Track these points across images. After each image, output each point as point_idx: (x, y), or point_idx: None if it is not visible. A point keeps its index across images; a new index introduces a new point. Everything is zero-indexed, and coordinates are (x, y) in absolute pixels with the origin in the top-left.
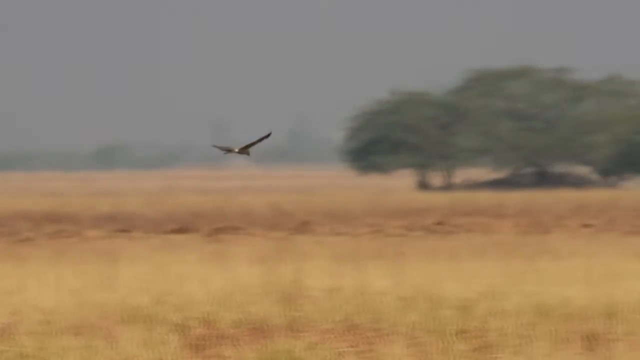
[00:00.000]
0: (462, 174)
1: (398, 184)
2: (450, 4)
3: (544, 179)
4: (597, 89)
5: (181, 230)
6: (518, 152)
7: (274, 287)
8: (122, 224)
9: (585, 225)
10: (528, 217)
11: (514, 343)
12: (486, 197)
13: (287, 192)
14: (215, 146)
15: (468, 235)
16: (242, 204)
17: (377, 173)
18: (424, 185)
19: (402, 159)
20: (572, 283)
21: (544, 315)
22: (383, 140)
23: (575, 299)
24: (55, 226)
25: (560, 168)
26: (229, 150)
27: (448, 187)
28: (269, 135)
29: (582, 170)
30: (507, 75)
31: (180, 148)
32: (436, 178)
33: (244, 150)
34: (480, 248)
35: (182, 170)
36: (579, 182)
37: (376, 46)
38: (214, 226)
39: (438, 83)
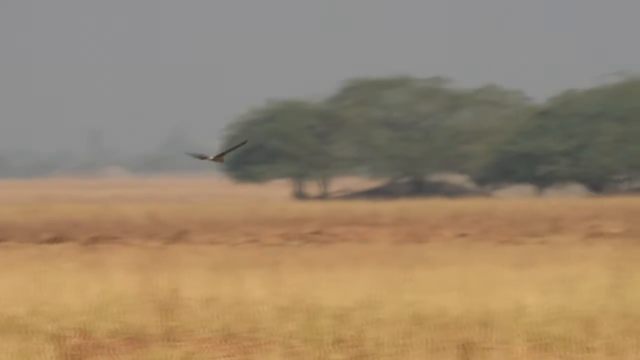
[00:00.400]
0: (338, 183)
1: (275, 193)
2: (328, 14)
3: (420, 188)
4: (473, 98)
5: (57, 240)
6: (394, 161)
7: (150, 297)
8: None
9: (461, 235)
10: (404, 226)
11: (390, 352)
12: (362, 207)
13: (163, 201)
14: (188, 154)
15: (345, 245)
16: (119, 213)
17: (254, 182)
18: (300, 195)
19: (279, 168)
20: (448, 292)
21: (420, 324)
22: (259, 149)
23: (450, 308)
24: None
25: (436, 177)
26: (202, 158)
27: (325, 196)
28: (244, 142)
29: (457, 179)
30: (384, 84)
31: (56, 157)
32: (313, 187)
33: (219, 158)
34: (357, 257)
35: (57, 179)
36: (454, 192)
37: (255, 56)
38: (90, 235)
39: (316, 92)
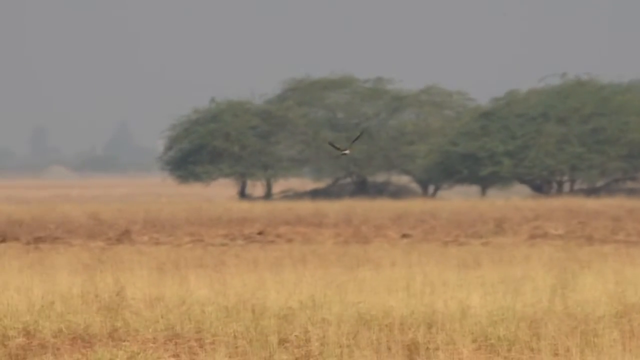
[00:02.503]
0: (282, 184)
1: (218, 194)
2: (272, 13)
3: (364, 189)
4: (416, 99)
5: (0, 239)
6: (338, 161)
7: (94, 297)
8: None
9: (405, 235)
10: (348, 226)
11: (336, 352)
12: (306, 207)
13: (107, 202)
14: (331, 144)
15: (289, 245)
16: (62, 213)
17: (198, 182)
18: (244, 195)
19: (222, 168)
20: (393, 293)
21: (365, 324)
22: (202, 149)
23: (396, 309)
24: None
25: (380, 178)
26: (341, 150)
27: (268, 196)
28: (362, 133)
29: (401, 180)
30: (327, 84)
31: None
32: (256, 188)
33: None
34: (301, 257)
35: (0, 179)
36: (398, 192)
37: (199, 56)
38: (34, 235)
39: (259, 92)
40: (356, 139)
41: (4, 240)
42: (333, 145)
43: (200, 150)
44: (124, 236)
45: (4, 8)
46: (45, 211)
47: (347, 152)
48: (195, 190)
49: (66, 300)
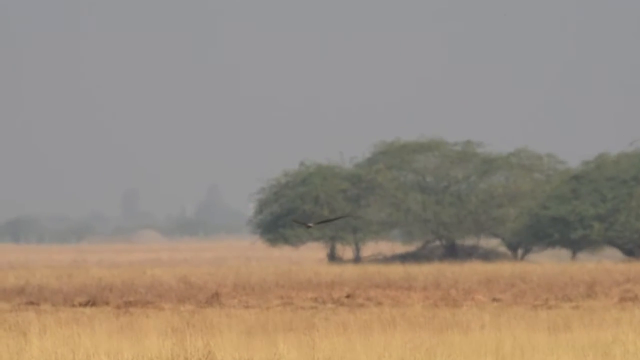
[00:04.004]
0: (371, 247)
1: (307, 257)
2: (362, 76)
3: (453, 252)
4: (506, 162)
5: (91, 303)
6: (427, 225)
7: None
8: (30, 297)
9: (495, 299)
10: (437, 290)
11: None
12: (395, 270)
13: (196, 265)
14: (295, 220)
15: (378, 308)
16: (152, 277)
17: (287, 245)
18: (333, 258)
19: (312, 231)
20: (482, 356)
21: None
22: (292, 212)
23: None
24: None
25: (469, 241)
26: (308, 226)
27: (358, 260)
28: (348, 215)
29: (490, 243)
30: (416, 148)
31: (89, 220)
32: (345, 251)
33: (316, 224)
34: (390, 321)
35: (91, 243)
36: (487, 255)
37: (287, 120)
38: (124, 299)
39: (348, 156)
40: (327, 220)
41: (94, 304)
42: (297, 221)
43: (290, 213)
44: (214, 299)
45: (93, 70)
46: (136, 275)
47: (311, 225)
48: (284, 253)
49: None
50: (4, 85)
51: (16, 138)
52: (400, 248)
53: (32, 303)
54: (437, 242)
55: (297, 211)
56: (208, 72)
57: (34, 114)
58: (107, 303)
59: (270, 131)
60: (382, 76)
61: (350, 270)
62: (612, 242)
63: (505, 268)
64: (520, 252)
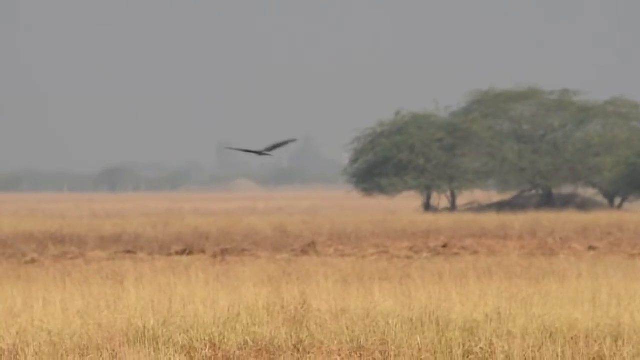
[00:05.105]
0: (467, 196)
1: (403, 206)
2: (456, 28)
3: (550, 201)
4: (602, 110)
5: (187, 252)
6: (523, 174)
7: (280, 309)
8: (127, 246)
9: (591, 248)
10: (533, 239)
11: None
12: (491, 219)
13: (292, 214)
14: (229, 148)
15: (474, 257)
16: (248, 226)
17: (383, 194)
18: (429, 207)
19: (407, 180)
20: (579, 305)
21: (550, 337)
22: (387, 161)
23: (581, 321)
24: (61, 247)
25: (565, 190)
26: (247, 151)
27: (453, 209)
28: (293, 140)
29: (587, 192)
30: (512, 97)
31: (185, 169)
32: (441, 200)
33: (266, 151)
34: (486, 270)
35: (187, 192)
36: (584, 204)
37: (382, 68)
38: (220, 247)
39: (443, 104)
40: (279, 145)
41: (191, 253)
42: (246, 150)
43: (385, 162)
44: (309, 248)
45: (183, 23)
46: (232, 223)
47: (261, 152)
48: (379, 203)
49: (251, 312)
50: (104, 35)
51: (113, 88)
52: (495, 197)
53: (128, 251)
54: (533, 191)
55: (393, 160)
56: (298, 25)
57: (127, 64)
58: (203, 251)
59: (365, 80)
60: (476, 25)
61: (445, 219)
62: None
63: (602, 217)
64: (617, 201)
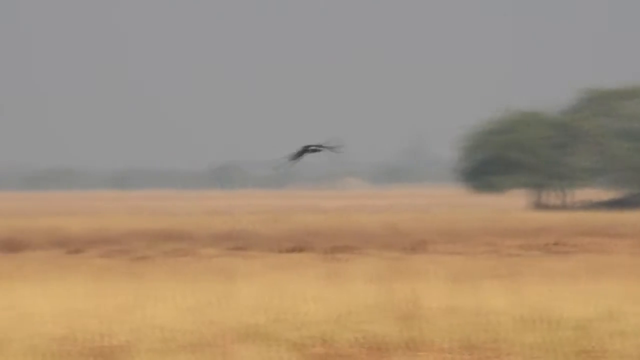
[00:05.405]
0: (577, 194)
1: (513, 204)
2: (559, 24)
3: None
4: None
5: (297, 249)
6: (634, 172)
7: (390, 306)
8: (238, 243)
9: None
10: None
11: None
12: (603, 217)
13: (401, 212)
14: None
15: (585, 256)
16: (357, 223)
17: (491, 192)
18: (539, 205)
19: (517, 178)
20: None
21: None
22: (497, 159)
23: None
24: (172, 244)
25: None
26: (304, 152)
27: (564, 207)
28: (333, 147)
29: None
30: (622, 94)
31: (295, 167)
32: (551, 198)
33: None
34: (598, 268)
35: (297, 189)
36: None
37: (490, 66)
38: (330, 245)
39: (551, 103)
40: (308, 151)
41: (301, 250)
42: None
43: (494, 160)
44: (419, 246)
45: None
46: (342, 221)
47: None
48: (488, 201)
49: (362, 309)
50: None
51: (231, 89)
52: (606, 195)
53: (238, 248)
54: None
55: (502, 158)
56: (409, 20)
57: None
58: (313, 249)
59: (474, 78)
60: (581, 22)
61: (556, 218)
62: None
63: None
64: None
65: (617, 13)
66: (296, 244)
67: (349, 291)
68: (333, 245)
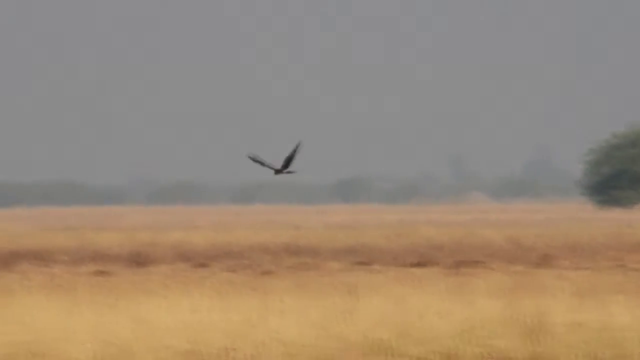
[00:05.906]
0: None
1: (639, 219)
2: None
3: None
4: None
5: (421, 264)
6: None
7: (515, 321)
8: (361, 257)
9: None
10: None
11: None
12: None
13: (526, 226)
14: (252, 158)
15: None
16: (482, 238)
17: (618, 207)
18: None
19: None
20: None
21: None
22: (623, 174)
23: None
24: (296, 259)
25: None
26: (262, 164)
27: None
28: (298, 145)
29: None
30: None
31: (418, 181)
32: None
33: (282, 169)
34: None
35: (420, 203)
36: None
37: (617, 80)
38: (454, 259)
39: None
40: (291, 157)
41: (424, 265)
42: (254, 160)
43: (620, 175)
44: (544, 260)
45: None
46: (465, 235)
47: (278, 169)
48: (614, 215)
49: (487, 324)
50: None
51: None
52: None
53: (362, 263)
54: None
55: (628, 173)
56: (536, 33)
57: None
58: (437, 263)
59: (600, 92)
60: None
61: None
62: None
63: None
64: None
65: None
66: (419, 258)
67: (473, 306)
68: (457, 259)
